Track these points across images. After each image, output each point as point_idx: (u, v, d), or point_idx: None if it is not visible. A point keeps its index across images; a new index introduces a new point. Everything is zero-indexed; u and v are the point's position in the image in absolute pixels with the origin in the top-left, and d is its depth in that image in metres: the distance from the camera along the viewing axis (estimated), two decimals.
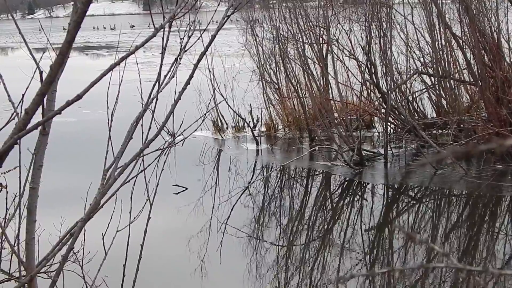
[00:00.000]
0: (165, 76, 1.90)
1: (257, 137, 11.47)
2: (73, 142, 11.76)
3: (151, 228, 2.76)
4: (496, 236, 7.31)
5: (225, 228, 7.55)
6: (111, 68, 1.37)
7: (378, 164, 9.84)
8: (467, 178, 8.79)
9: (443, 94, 10.64)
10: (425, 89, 10.89)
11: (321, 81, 10.99)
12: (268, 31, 11.90)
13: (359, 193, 9.07)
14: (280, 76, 12.02)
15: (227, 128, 12.35)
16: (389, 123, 10.26)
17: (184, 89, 1.88)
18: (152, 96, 1.89)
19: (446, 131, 10.38)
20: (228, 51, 23.05)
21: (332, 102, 10.90)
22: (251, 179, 9.73)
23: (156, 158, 2.29)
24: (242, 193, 8.92)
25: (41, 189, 1.95)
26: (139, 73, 2.20)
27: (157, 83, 1.91)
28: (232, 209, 8.20)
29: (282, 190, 9.47)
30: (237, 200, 8.58)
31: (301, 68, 11.22)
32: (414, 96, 10.91)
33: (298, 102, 11.68)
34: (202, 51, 1.71)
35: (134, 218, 2.63)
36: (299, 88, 11.35)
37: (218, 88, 11.37)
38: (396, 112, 10.28)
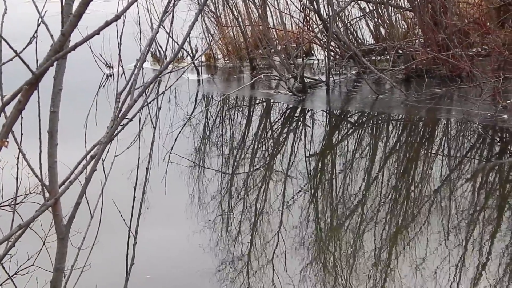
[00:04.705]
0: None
1: (197, 67, 11.31)
2: None
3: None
4: (434, 158, 7.49)
5: (169, 158, 7.48)
6: None
7: (320, 91, 9.87)
8: (408, 103, 8.91)
9: (381, 21, 10.65)
10: (363, 16, 10.87)
11: (261, 9, 10.81)
12: None
13: (302, 120, 9.11)
14: (218, 5, 11.77)
15: (166, 58, 12.10)
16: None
17: (200, 10, 1.86)
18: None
19: (385, 57, 10.44)
20: None
21: (272, 30, 10.77)
22: (193, 110, 9.64)
23: (176, 81, 2.35)
24: (185, 124, 8.84)
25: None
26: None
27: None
28: (175, 140, 8.12)
29: (224, 119, 9.42)
30: (180, 132, 8.49)
31: None
32: (352, 23, 10.89)
33: (237, 31, 11.50)
34: None
35: (131, 142, 2.75)
36: (239, 17, 11.16)
37: (158, 17, 11.07)
38: (337, 39, 10.25)
